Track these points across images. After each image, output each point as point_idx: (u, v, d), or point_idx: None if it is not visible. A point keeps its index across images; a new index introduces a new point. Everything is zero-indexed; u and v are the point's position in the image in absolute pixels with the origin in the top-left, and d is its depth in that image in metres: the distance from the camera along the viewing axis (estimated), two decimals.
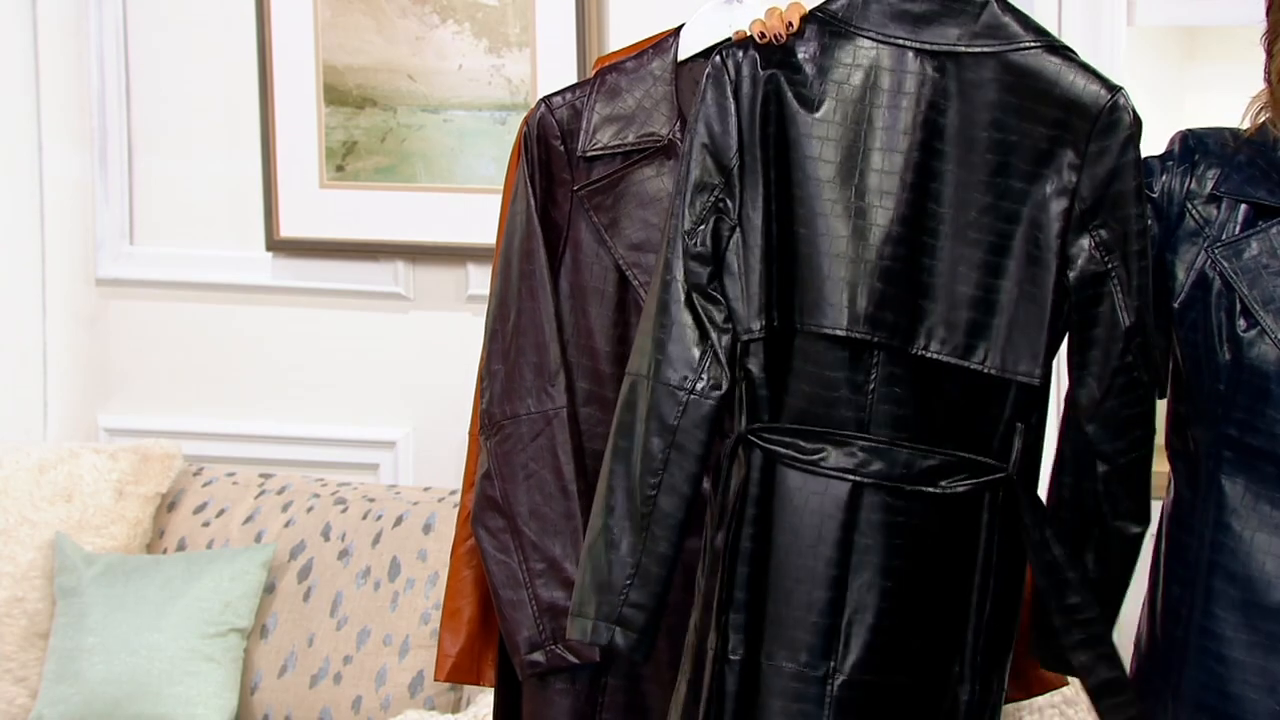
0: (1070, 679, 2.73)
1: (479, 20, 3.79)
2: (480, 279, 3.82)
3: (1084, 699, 3.31)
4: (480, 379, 2.55)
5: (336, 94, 3.89)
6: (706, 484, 2.35)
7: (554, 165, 2.52)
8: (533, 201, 2.51)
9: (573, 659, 2.47)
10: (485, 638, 2.57)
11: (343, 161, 3.91)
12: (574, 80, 3.67)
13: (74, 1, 4.02)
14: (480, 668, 2.57)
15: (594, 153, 2.50)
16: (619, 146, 2.50)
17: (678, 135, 2.49)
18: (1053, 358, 2.30)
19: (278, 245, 3.97)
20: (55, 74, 4.01)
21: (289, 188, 3.94)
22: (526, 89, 3.77)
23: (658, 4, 3.20)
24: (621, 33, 3.69)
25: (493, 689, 2.64)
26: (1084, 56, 3.50)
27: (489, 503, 2.51)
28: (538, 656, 2.48)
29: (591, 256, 2.50)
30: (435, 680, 2.63)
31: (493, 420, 2.52)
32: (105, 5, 4.01)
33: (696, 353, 2.26)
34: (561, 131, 2.51)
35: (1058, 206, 2.25)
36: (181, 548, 3.72)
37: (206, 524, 3.74)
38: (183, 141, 4.03)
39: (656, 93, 2.50)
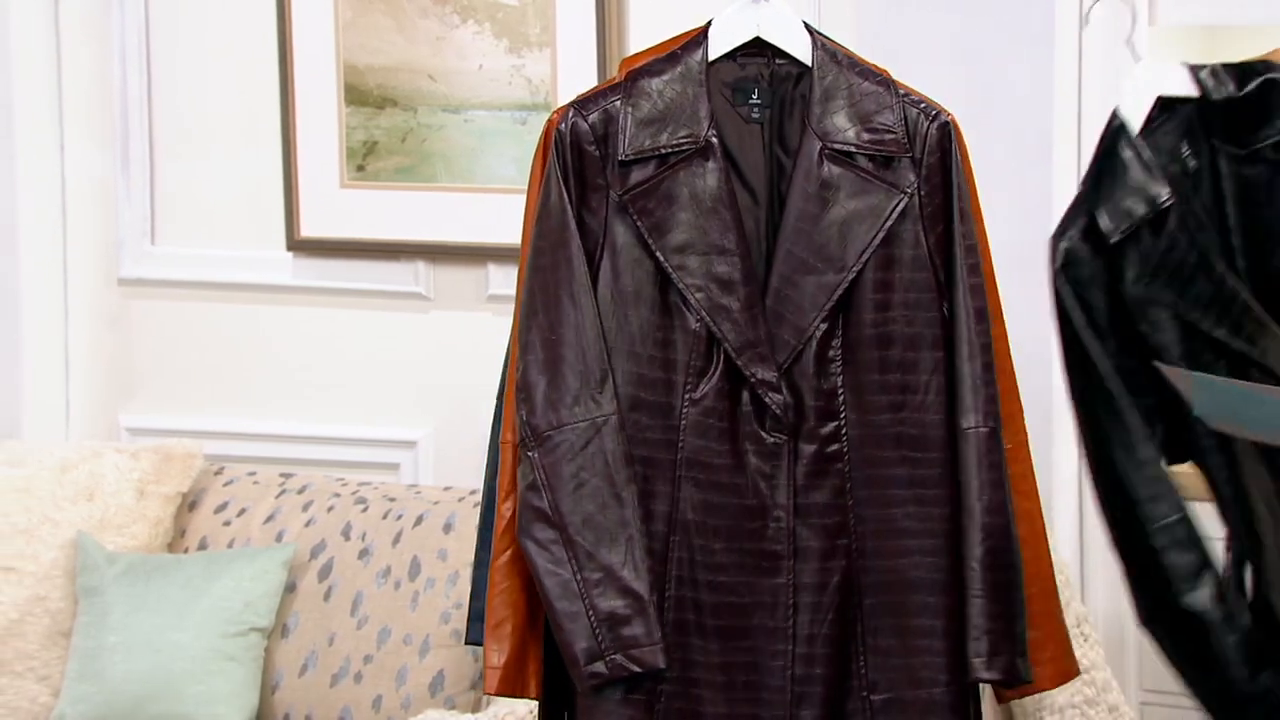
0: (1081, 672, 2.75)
1: (499, 20, 3.80)
2: (500, 279, 3.83)
3: (1105, 699, 3.31)
4: (514, 388, 2.53)
5: (357, 94, 3.90)
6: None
7: (588, 171, 2.51)
8: (569, 209, 2.50)
9: (635, 668, 2.45)
10: (531, 649, 2.56)
11: (363, 161, 3.92)
12: (594, 80, 3.67)
13: (96, 2, 4.02)
14: (526, 679, 2.56)
15: (632, 156, 2.50)
16: (656, 150, 2.50)
17: (713, 136, 2.49)
18: None
19: (298, 245, 3.97)
20: (77, 75, 4.02)
21: (310, 188, 3.94)
22: (547, 89, 3.77)
23: (678, 3, 3.20)
24: (642, 32, 3.69)
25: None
26: (1105, 54, 3.51)
27: (537, 515, 2.48)
28: (598, 667, 2.45)
29: (632, 261, 2.50)
30: (485, 693, 2.62)
31: (537, 432, 2.49)
32: (127, 6, 4.02)
33: None
34: (595, 137, 2.50)
35: None
36: (203, 547, 3.73)
37: (227, 523, 3.74)
38: (204, 142, 4.03)
39: (691, 94, 2.50)
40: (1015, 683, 2.49)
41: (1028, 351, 2.96)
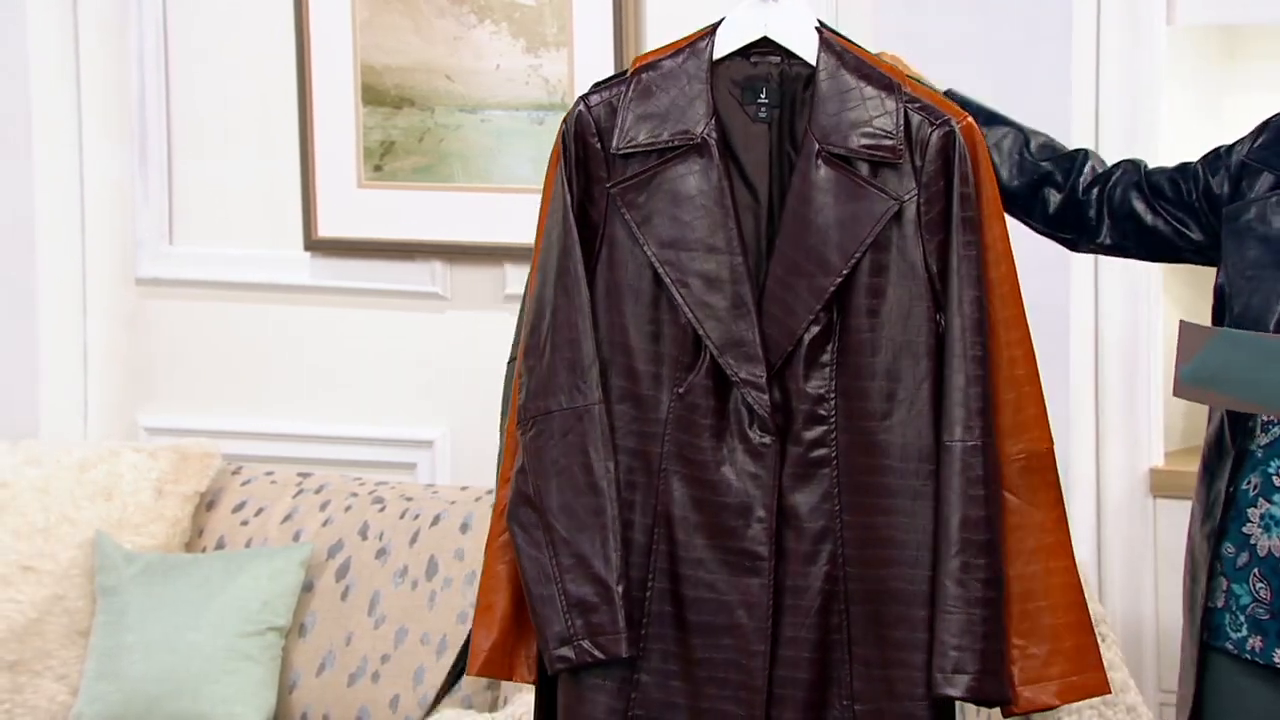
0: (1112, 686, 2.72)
1: (516, 20, 3.80)
2: (518, 279, 3.83)
3: (1123, 699, 3.30)
4: (517, 375, 2.56)
5: (374, 94, 3.90)
6: None
7: (591, 163, 2.53)
8: (569, 199, 2.52)
9: (600, 655, 2.48)
10: (517, 633, 2.57)
11: (380, 161, 3.92)
12: None
13: (114, 3, 4.03)
14: (512, 663, 2.58)
15: (628, 150, 2.51)
16: (652, 144, 2.50)
17: (711, 134, 2.49)
18: None
19: (316, 245, 3.98)
20: (95, 74, 4.03)
21: (327, 187, 3.95)
22: (564, 89, 3.77)
23: (695, 3, 3.20)
24: (659, 32, 3.69)
25: (523, 684, 2.65)
26: (1123, 56, 3.51)
27: (522, 498, 2.52)
28: (566, 652, 2.48)
29: (626, 254, 2.51)
30: (467, 674, 2.64)
31: (527, 416, 2.53)
32: (145, 5, 4.03)
33: None
34: (598, 129, 2.52)
35: None
36: (220, 546, 3.74)
37: (245, 523, 3.75)
38: (222, 141, 4.04)
39: (691, 91, 2.51)
40: (983, 702, 2.47)
41: (1043, 351, 2.94)
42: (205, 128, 4.05)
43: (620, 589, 2.48)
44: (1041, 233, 2.70)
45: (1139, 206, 2.62)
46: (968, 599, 2.44)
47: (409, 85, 3.88)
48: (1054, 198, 2.65)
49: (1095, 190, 2.64)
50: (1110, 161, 2.69)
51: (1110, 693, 2.58)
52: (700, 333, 2.47)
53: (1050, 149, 2.68)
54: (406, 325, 3.95)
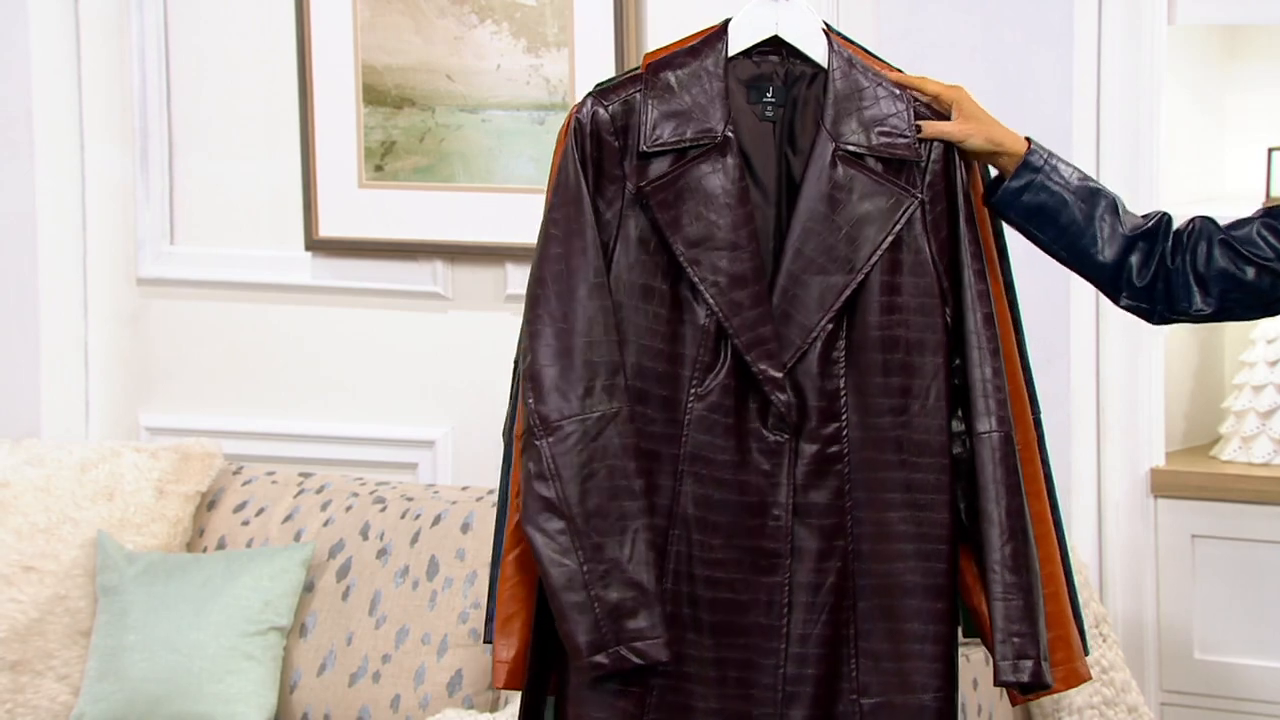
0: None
1: (517, 20, 3.80)
2: (519, 279, 3.83)
3: (1125, 700, 3.31)
4: (524, 376, 2.53)
5: (375, 94, 3.90)
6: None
7: (606, 162, 2.52)
8: (586, 198, 2.51)
9: (637, 660, 2.46)
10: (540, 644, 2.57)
11: (381, 161, 3.93)
12: None
13: (116, 2, 4.04)
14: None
15: (654, 149, 2.50)
16: (677, 143, 2.50)
17: (730, 132, 2.50)
18: None
19: (317, 245, 3.98)
20: (97, 74, 4.03)
21: (328, 187, 3.95)
22: (565, 89, 3.77)
23: (695, 3, 3.21)
24: (660, 32, 3.69)
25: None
26: (1124, 55, 3.51)
27: (545, 504, 2.48)
28: (601, 659, 2.46)
29: (645, 254, 2.51)
30: (493, 688, 2.63)
31: (546, 421, 2.48)
32: (146, 5, 4.03)
33: None
34: (615, 127, 2.51)
35: None
36: (221, 546, 3.74)
37: (246, 523, 3.75)
38: (223, 141, 4.04)
39: (711, 89, 2.51)
40: (1039, 687, 2.48)
41: (1047, 347, 2.96)
42: (206, 128, 4.05)
43: (657, 592, 2.47)
44: (1126, 306, 2.56)
45: (1231, 266, 2.50)
46: (1021, 585, 2.46)
47: (410, 85, 3.88)
48: (1142, 268, 2.53)
49: (1179, 258, 2.52)
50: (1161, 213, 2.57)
51: (1090, 679, 2.60)
52: (729, 330, 2.47)
53: (1133, 216, 2.56)
54: (408, 325, 3.95)
